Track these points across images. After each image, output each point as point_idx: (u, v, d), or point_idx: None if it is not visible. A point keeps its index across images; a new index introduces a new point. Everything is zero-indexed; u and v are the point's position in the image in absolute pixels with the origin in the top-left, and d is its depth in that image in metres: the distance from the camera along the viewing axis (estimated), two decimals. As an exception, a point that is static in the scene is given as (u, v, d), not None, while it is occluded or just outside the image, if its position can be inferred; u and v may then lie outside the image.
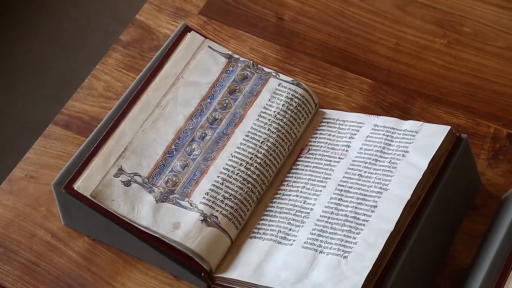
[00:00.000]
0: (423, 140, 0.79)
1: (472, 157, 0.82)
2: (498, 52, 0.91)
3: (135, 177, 0.78)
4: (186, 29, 0.88)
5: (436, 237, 0.79)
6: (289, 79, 0.86)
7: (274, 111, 0.83)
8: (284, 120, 0.83)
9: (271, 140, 0.81)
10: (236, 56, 0.87)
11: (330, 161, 0.81)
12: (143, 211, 0.76)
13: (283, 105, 0.84)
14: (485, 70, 0.90)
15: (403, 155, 0.79)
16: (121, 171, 0.78)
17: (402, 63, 0.92)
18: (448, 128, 0.79)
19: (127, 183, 0.78)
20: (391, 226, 0.74)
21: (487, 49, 0.92)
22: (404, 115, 0.88)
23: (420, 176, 0.76)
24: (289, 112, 0.83)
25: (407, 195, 0.75)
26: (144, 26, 0.96)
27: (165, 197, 0.77)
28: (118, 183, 0.77)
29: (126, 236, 0.76)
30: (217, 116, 0.83)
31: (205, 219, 0.76)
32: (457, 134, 0.80)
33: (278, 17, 0.96)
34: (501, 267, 0.71)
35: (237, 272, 0.75)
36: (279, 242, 0.76)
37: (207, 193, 0.78)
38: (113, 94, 0.91)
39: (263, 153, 0.81)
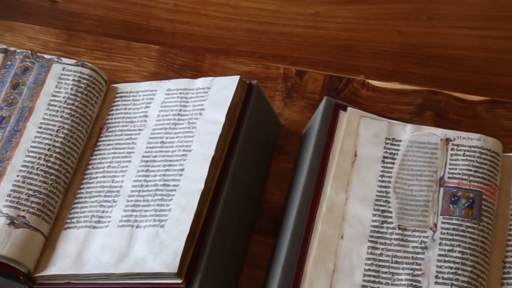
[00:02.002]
0: (216, 94, 0.80)
1: (267, 101, 0.84)
2: (272, -6, 0.94)
3: None
4: (-47, 32, 0.83)
5: (248, 185, 0.81)
6: (73, 61, 0.84)
7: (64, 97, 0.81)
8: (76, 103, 0.81)
9: (66, 126, 0.80)
10: (12, 49, 0.84)
11: (131, 134, 0.81)
12: None
13: (71, 89, 0.82)
14: (264, 14, 0.92)
15: (200, 113, 0.80)
16: None
17: (184, 23, 0.92)
18: (237, 77, 0.80)
19: None
20: (201, 186, 0.74)
21: (262, -7, 0.94)
22: (197, 74, 0.89)
23: (219, 131, 0.77)
24: (79, 94, 0.82)
25: (211, 152, 0.76)
26: None
27: (-35, 210, 0.74)
28: None
29: None
30: (4, 114, 0.80)
31: (12, 222, 0.74)
32: (248, 82, 0.81)
33: (51, 0, 0.93)
34: (311, 199, 0.74)
35: (57, 266, 0.73)
36: (94, 227, 0.75)
37: (9, 195, 0.75)
38: None
39: (61, 142, 0.79)
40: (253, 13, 0.92)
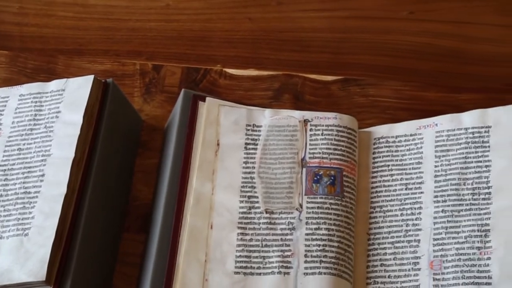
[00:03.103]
0: (72, 96, 0.79)
1: (125, 98, 0.83)
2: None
3: None
4: None
5: (114, 184, 0.79)
6: None
7: None
8: None
9: None
10: None
11: (-15, 144, 0.78)
12: None
13: None
14: (115, 11, 0.91)
15: (57, 116, 0.78)
16: None
17: (32, 25, 0.90)
18: (92, 77, 0.79)
19: None
20: (63, 190, 0.73)
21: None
22: (51, 76, 0.86)
23: (78, 132, 0.76)
24: None
25: (71, 154, 0.75)
26: None
27: None
28: None
29: None
30: None
31: None
32: (103, 80, 0.80)
33: None
34: (177, 192, 0.74)
35: None
36: (-45, 244, 0.72)
37: None
38: None
39: None
40: (103, 10, 0.91)
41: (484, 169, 0.73)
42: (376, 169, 0.77)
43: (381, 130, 0.79)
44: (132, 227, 0.80)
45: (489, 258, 0.69)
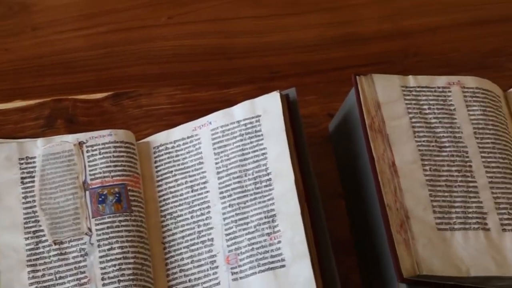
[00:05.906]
0: None
1: None
2: None
3: None
4: None
5: None
6: None
7: None
8: None
9: None
10: None
11: None
12: None
13: None
14: None
15: None
16: None
17: None
18: None
19: None
20: None
21: None
22: None
23: None
24: None
25: None
26: None
27: None
28: None
29: None
30: None
31: None
32: None
33: None
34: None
35: None
36: None
37: None
38: None
39: None
40: None
41: (261, 157, 0.75)
42: (160, 177, 0.77)
43: (159, 138, 0.79)
44: None
45: (279, 242, 0.70)
